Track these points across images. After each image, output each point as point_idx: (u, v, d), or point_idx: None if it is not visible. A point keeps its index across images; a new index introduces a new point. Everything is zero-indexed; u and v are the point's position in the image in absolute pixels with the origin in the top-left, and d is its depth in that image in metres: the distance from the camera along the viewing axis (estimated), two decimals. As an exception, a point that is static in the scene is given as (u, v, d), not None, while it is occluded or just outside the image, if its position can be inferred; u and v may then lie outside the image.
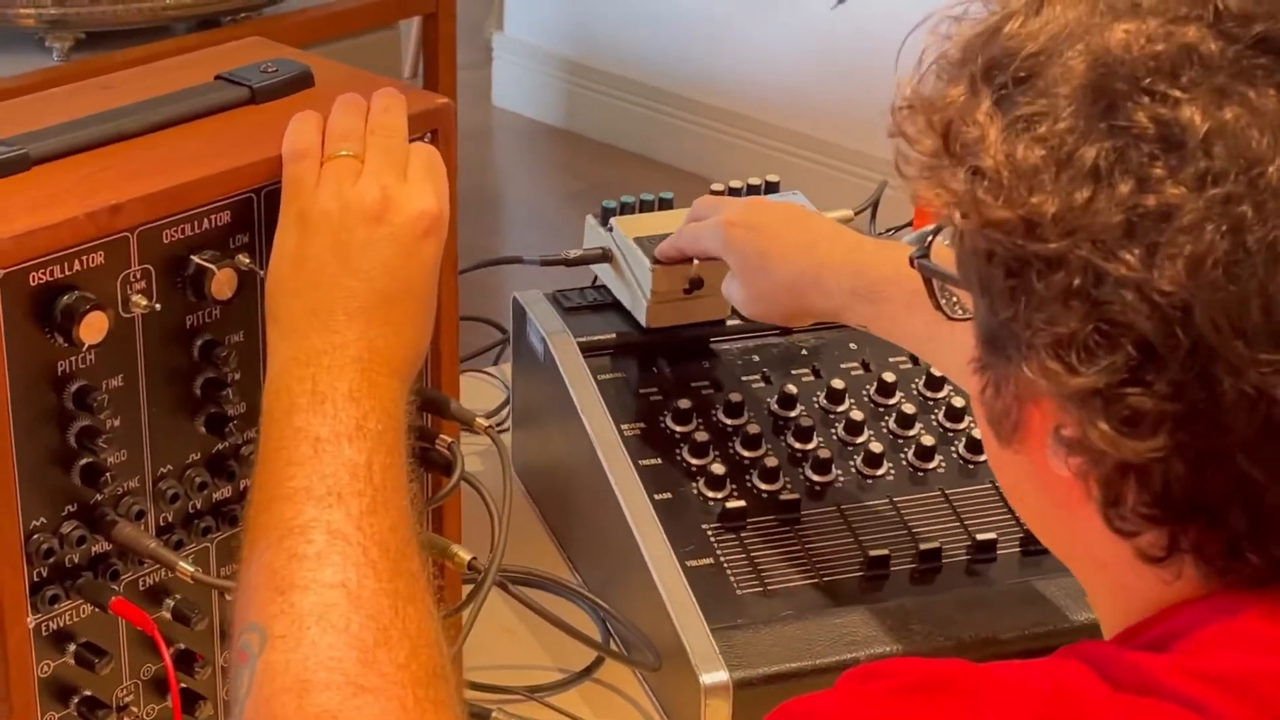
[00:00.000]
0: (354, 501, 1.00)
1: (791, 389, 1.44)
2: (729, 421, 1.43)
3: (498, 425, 1.64)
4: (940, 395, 1.46)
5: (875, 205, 1.72)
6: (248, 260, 1.11)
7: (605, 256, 1.52)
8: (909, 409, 1.44)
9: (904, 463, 1.42)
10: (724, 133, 4.41)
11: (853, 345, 1.50)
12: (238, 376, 1.13)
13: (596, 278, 1.55)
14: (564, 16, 4.72)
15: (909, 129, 0.90)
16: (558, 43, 4.73)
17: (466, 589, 1.24)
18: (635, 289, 1.48)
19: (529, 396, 1.56)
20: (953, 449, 1.43)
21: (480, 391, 1.71)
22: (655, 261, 1.46)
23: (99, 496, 1.08)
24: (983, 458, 1.42)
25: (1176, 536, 0.85)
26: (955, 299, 0.99)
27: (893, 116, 0.91)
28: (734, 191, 1.57)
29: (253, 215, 1.11)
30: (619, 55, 4.59)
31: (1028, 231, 0.83)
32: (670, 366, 1.47)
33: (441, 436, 1.18)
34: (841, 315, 1.34)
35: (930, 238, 0.99)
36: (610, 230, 1.52)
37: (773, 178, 1.59)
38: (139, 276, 1.06)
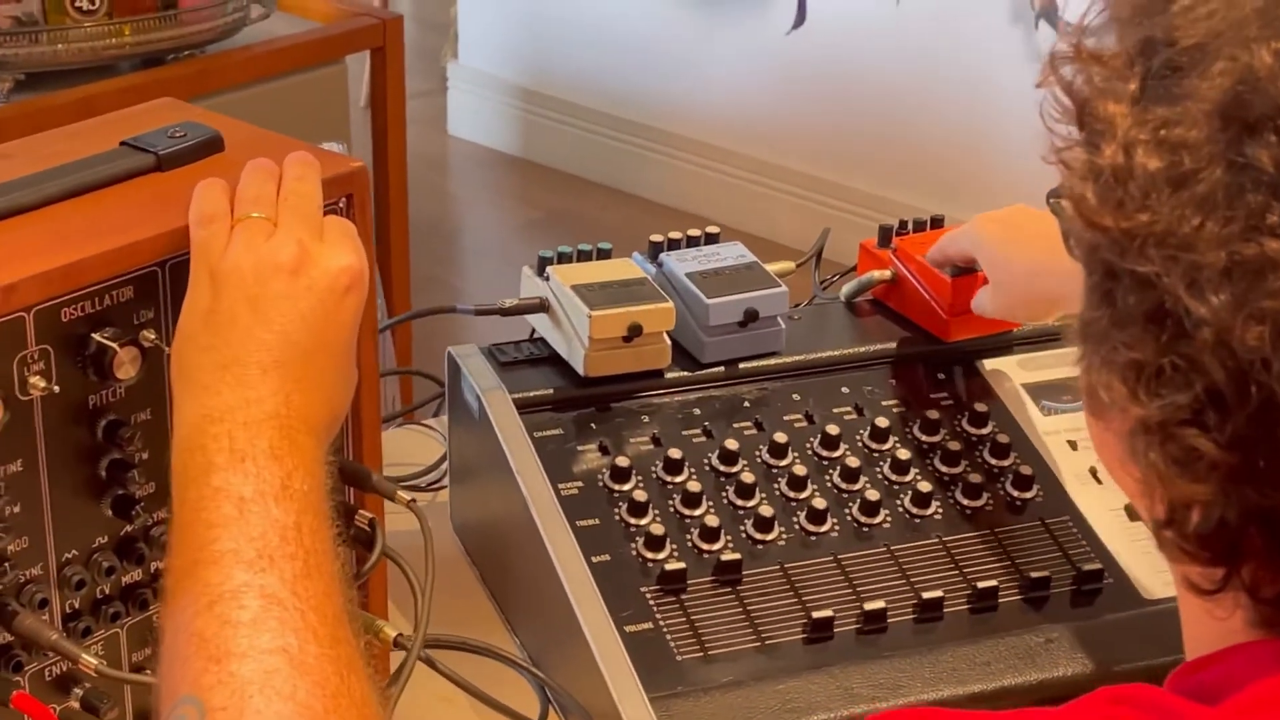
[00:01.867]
0: (287, 565, 0.95)
1: (733, 444, 1.40)
2: (669, 479, 1.39)
3: (436, 481, 1.61)
4: (886, 447, 1.43)
5: (819, 253, 1.68)
6: (153, 337, 1.07)
7: (543, 306, 1.48)
8: (853, 462, 1.41)
9: (848, 519, 1.38)
10: (681, 159, 4.39)
11: (795, 396, 1.46)
12: (145, 456, 1.09)
13: (534, 330, 1.52)
14: (519, 45, 4.69)
15: (1061, 79, 0.84)
16: (513, 71, 4.70)
17: (399, 658, 1.20)
18: (573, 338, 1.44)
19: (465, 454, 1.51)
20: (898, 503, 1.39)
21: (421, 445, 1.67)
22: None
23: (-1, 586, 1.04)
24: (929, 512, 1.39)
25: (1230, 572, 0.80)
26: None
27: (1050, 63, 0.84)
28: (673, 243, 1.54)
29: (158, 290, 1.08)
30: (574, 83, 4.56)
31: (1127, 246, 0.78)
32: (609, 422, 1.43)
33: (361, 512, 1.15)
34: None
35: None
36: (547, 280, 1.48)
37: (713, 229, 1.55)
38: (36, 357, 1.02)
